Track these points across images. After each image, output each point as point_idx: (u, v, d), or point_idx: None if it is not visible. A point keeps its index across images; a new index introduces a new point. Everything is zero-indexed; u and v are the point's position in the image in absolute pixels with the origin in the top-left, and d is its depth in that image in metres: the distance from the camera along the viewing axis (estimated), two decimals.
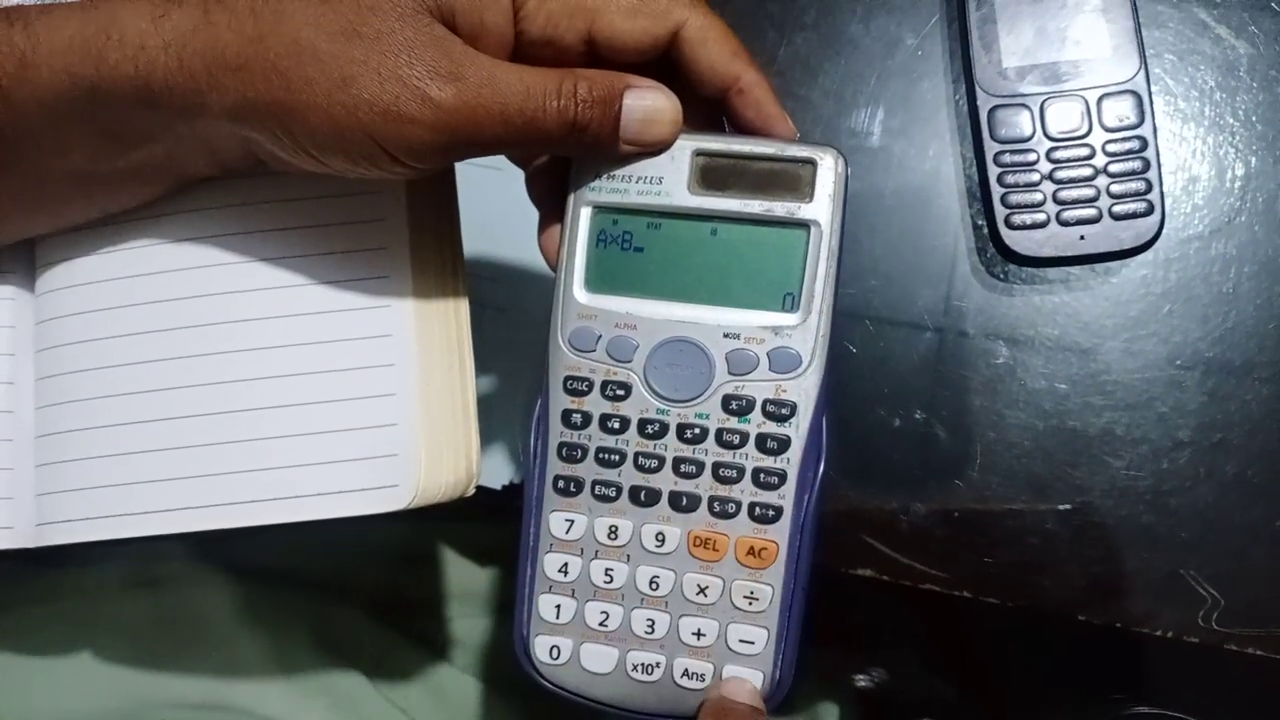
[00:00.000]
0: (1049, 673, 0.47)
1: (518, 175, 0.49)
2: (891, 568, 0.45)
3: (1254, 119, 0.45)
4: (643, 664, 0.31)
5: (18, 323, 0.38)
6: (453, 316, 0.36)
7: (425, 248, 0.36)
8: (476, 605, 0.54)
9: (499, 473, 0.49)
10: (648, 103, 0.31)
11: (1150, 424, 0.44)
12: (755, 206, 0.31)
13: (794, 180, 0.31)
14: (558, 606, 0.32)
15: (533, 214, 0.51)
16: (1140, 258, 0.45)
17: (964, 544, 0.45)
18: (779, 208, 0.31)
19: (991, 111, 0.41)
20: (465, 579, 0.54)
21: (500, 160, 0.51)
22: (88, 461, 0.36)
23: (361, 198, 0.36)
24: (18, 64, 0.31)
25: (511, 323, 0.49)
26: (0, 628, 0.47)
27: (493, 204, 0.50)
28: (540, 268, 0.50)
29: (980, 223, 0.45)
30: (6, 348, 0.38)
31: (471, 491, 0.36)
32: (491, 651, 0.53)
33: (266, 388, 0.35)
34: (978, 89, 0.41)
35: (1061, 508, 0.44)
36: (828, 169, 0.31)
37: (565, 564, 0.32)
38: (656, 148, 0.32)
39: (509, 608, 0.54)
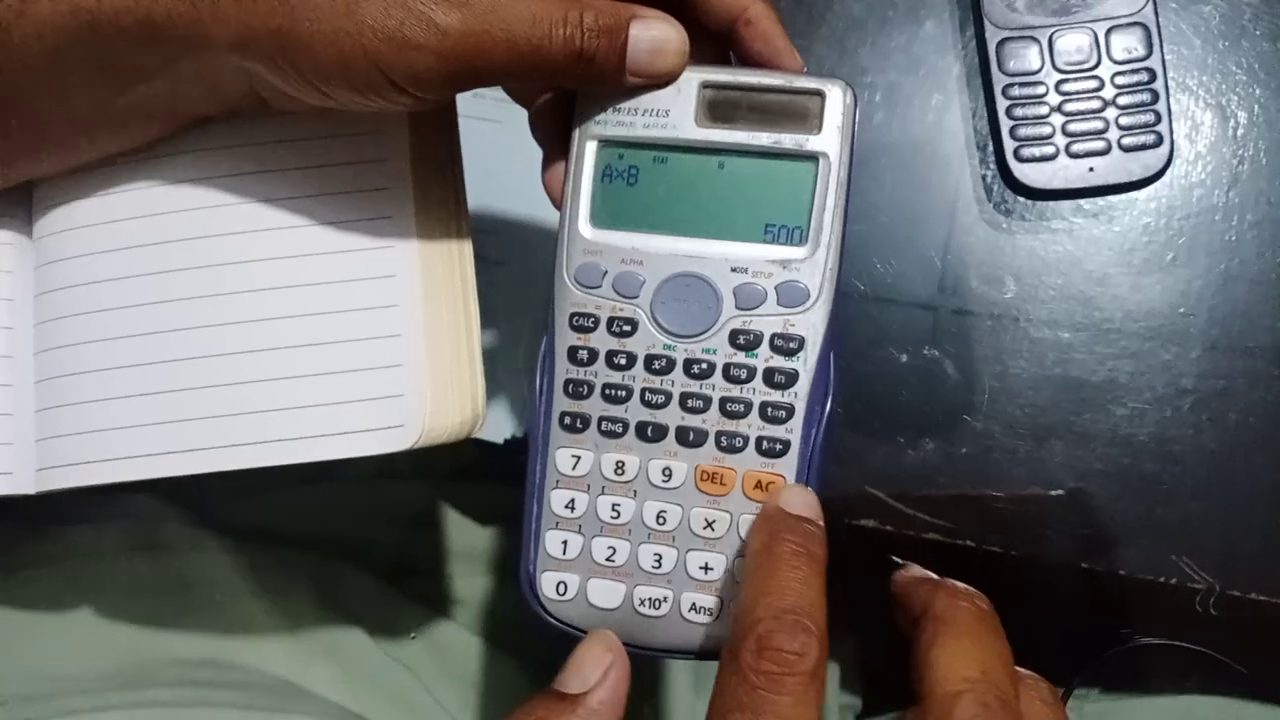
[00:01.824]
0: (1052, 614, 0.47)
1: (517, 128, 0.49)
2: (895, 518, 0.45)
3: (1257, 68, 0.45)
4: (650, 599, 0.31)
5: (16, 268, 0.38)
6: (456, 257, 0.36)
7: (428, 189, 0.36)
8: (477, 564, 0.54)
9: (501, 427, 0.49)
10: (655, 33, 0.31)
11: (1154, 372, 0.44)
12: (763, 139, 0.31)
13: (802, 112, 0.31)
14: (564, 542, 0.32)
15: (531, 167, 0.50)
16: (1143, 205, 0.45)
17: (967, 493, 0.45)
18: (787, 140, 0.31)
19: (1000, 45, 0.41)
20: (466, 539, 0.55)
21: (500, 113, 0.51)
22: (88, 405, 0.36)
23: (364, 138, 0.36)
24: (19, 2, 0.30)
25: (511, 275, 0.49)
26: (6, 587, 0.46)
27: (492, 157, 0.50)
28: (540, 220, 0.50)
29: (984, 173, 0.45)
30: (5, 293, 0.37)
31: (478, 431, 0.36)
32: (492, 609, 0.53)
33: (270, 329, 0.35)
34: (986, 23, 0.41)
35: (1064, 456, 0.44)
36: (836, 100, 0.31)
37: (572, 500, 0.32)
38: (663, 79, 0.31)
39: (509, 567, 0.54)
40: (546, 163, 0.35)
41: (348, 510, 0.54)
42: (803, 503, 0.30)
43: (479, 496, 0.54)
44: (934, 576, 0.31)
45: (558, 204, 0.33)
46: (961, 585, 0.30)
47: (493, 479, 0.54)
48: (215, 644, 0.47)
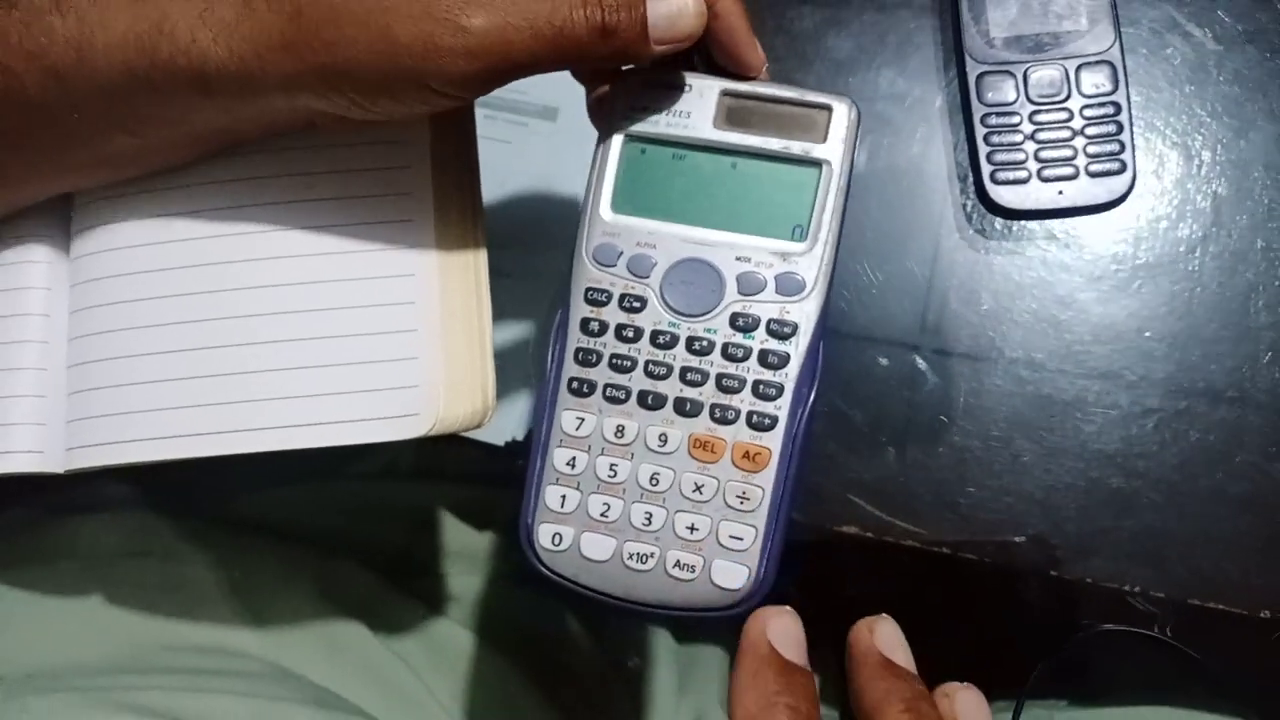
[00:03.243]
0: (1022, 618, 0.49)
1: (525, 148, 0.51)
2: (876, 525, 0.47)
3: (1220, 110, 0.48)
4: (638, 554, 0.33)
5: (53, 260, 0.40)
6: (471, 258, 0.38)
7: (447, 194, 0.38)
8: (475, 564, 0.56)
9: (502, 430, 0.51)
10: (673, 4, 0.32)
11: (1120, 391, 0.47)
12: (774, 144, 0.34)
13: (811, 123, 0.34)
14: (563, 497, 0.34)
15: (538, 185, 0.53)
16: (1112, 234, 0.48)
17: (944, 503, 0.47)
18: (795, 146, 0.34)
19: (979, 78, 0.45)
20: (464, 539, 0.56)
21: (510, 134, 0.54)
22: (118, 389, 0.38)
23: (388, 146, 0.38)
24: (76, 54, 0.32)
25: (517, 287, 0.51)
26: (8, 576, 0.48)
27: (502, 174, 0.53)
28: (546, 235, 0.52)
29: (964, 201, 0.48)
30: (43, 283, 0.39)
31: (488, 422, 0.38)
32: (487, 606, 0.55)
33: (293, 321, 0.37)
34: (967, 58, 0.45)
35: (1035, 469, 0.47)
36: (842, 115, 0.34)
37: (573, 458, 0.34)
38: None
39: (504, 568, 0.56)
40: (590, 93, 0.37)
41: (350, 508, 0.55)
42: (795, 641, 0.30)
43: (478, 498, 0.56)
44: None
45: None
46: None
47: (492, 481, 0.56)
48: (217, 634, 0.48)
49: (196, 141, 0.37)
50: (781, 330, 0.34)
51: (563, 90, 0.52)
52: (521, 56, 0.31)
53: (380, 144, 0.38)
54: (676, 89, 0.35)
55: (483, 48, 0.31)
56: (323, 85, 0.32)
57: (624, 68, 0.36)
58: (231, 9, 0.31)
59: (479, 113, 0.40)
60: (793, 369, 0.33)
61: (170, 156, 0.37)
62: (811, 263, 0.34)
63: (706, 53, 0.36)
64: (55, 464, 0.39)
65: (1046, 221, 0.48)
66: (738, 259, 0.34)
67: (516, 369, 0.50)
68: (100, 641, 0.47)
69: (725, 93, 0.35)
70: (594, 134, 0.36)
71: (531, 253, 0.51)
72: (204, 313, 0.37)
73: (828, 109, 0.34)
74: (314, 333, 0.37)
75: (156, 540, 0.50)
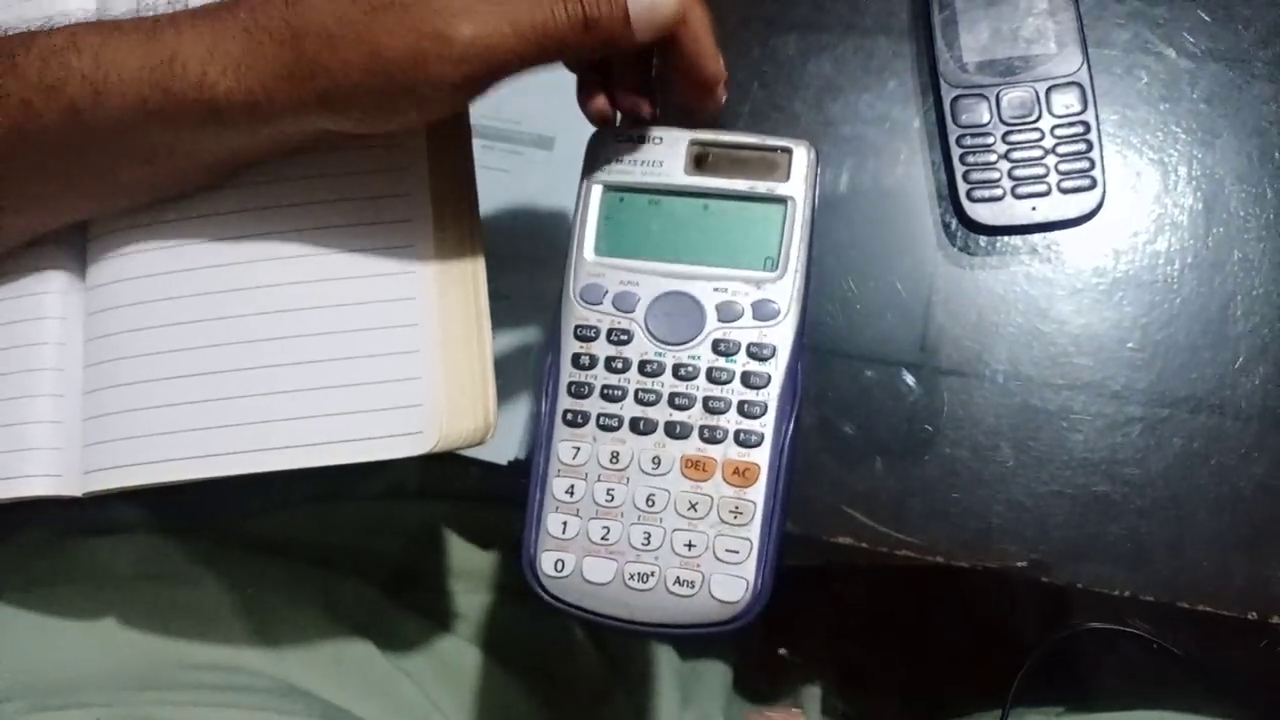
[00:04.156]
0: (1014, 623, 0.50)
1: (522, 177, 0.53)
2: (870, 536, 0.49)
3: (1195, 127, 0.50)
4: (639, 574, 0.35)
5: (68, 289, 0.41)
6: (470, 281, 0.40)
7: (446, 221, 0.40)
8: (480, 581, 0.57)
9: (504, 450, 0.52)
10: None
11: (1104, 401, 0.48)
12: (741, 185, 0.37)
13: (773, 165, 0.37)
14: (564, 524, 0.35)
15: (535, 211, 0.55)
16: (1093, 248, 0.49)
17: (934, 512, 0.48)
18: (761, 186, 0.37)
19: (954, 101, 0.47)
20: (468, 559, 0.57)
21: (507, 163, 0.56)
22: (132, 413, 0.39)
23: (387, 173, 0.39)
24: (93, 91, 0.34)
25: (516, 308, 0.52)
26: (27, 596, 0.49)
27: (499, 201, 0.54)
28: (542, 259, 0.54)
29: (948, 220, 0.50)
30: (58, 312, 0.41)
31: (490, 439, 0.39)
32: (492, 623, 0.56)
33: (300, 344, 0.38)
34: (942, 82, 0.47)
35: (1023, 477, 0.48)
36: (801, 156, 0.37)
37: (572, 486, 0.36)
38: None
39: (508, 585, 0.57)
40: (581, 86, 0.38)
41: (357, 528, 0.56)
42: None
43: (482, 517, 0.57)
44: None
45: (594, 122, 0.38)
46: None
47: (496, 500, 0.57)
48: (228, 653, 0.49)
49: (207, 168, 0.38)
50: (761, 352, 0.36)
51: (558, 120, 0.54)
52: (508, 57, 0.33)
53: (379, 171, 0.39)
54: (648, 142, 0.38)
55: (470, 55, 0.32)
56: (324, 107, 0.34)
57: (611, 77, 0.37)
58: (238, 44, 0.33)
59: (476, 143, 0.41)
60: (774, 388, 0.35)
61: (182, 182, 0.39)
62: (784, 289, 0.36)
63: (667, 86, 0.38)
64: (73, 487, 0.40)
65: (1029, 237, 0.49)
66: (715, 289, 0.36)
67: (517, 389, 0.52)
68: (113, 659, 0.48)
69: (694, 142, 0.37)
70: None
71: (530, 276, 0.53)
72: (214, 339, 0.39)
73: (788, 151, 0.37)
74: (320, 355, 0.38)
75: (168, 562, 0.52)
